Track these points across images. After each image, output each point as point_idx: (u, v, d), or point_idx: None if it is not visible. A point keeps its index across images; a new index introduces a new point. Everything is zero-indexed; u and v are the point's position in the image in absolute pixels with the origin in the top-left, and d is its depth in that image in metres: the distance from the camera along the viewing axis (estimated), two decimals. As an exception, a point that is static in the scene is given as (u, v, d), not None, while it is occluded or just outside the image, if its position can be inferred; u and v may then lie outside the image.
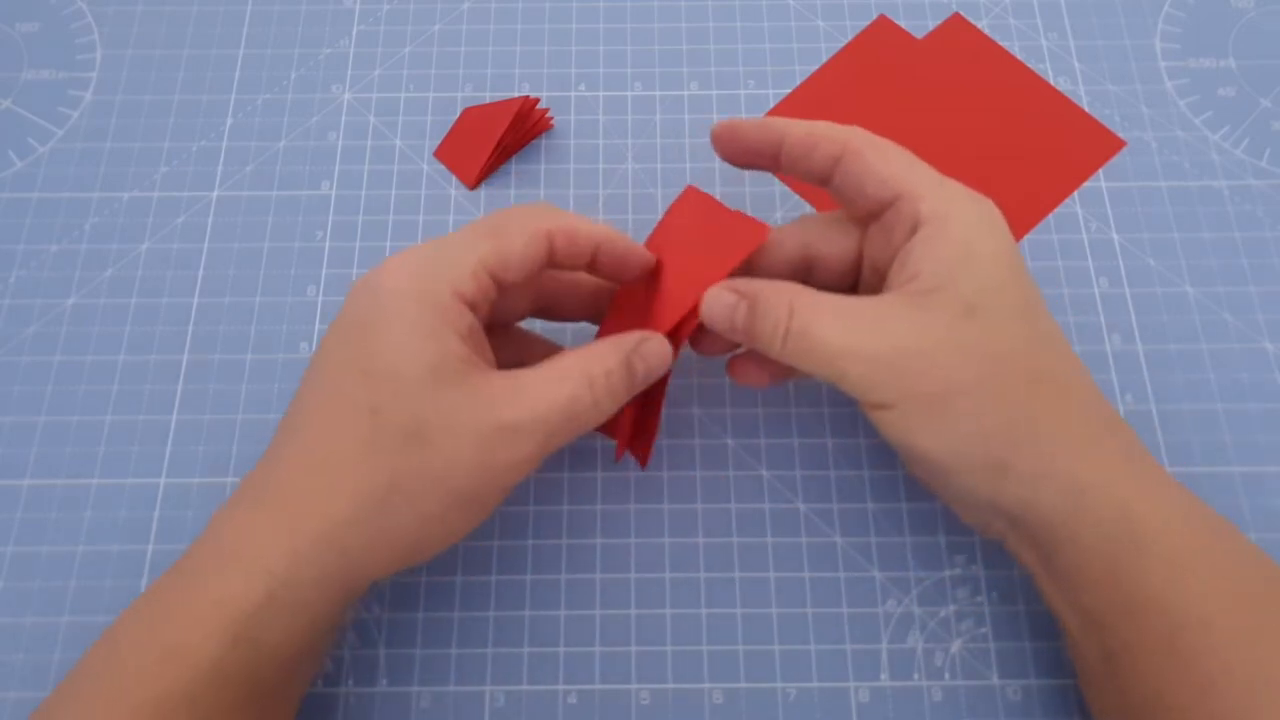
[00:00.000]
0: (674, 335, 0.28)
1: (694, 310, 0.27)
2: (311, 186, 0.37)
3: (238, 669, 0.23)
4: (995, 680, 0.30)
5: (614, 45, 0.40)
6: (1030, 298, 0.26)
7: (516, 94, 0.39)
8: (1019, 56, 0.39)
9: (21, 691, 0.30)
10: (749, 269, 0.28)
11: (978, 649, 0.30)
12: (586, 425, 0.25)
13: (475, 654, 0.30)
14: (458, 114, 0.38)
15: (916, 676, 0.30)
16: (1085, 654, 0.25)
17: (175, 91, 0.39)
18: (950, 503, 0.27)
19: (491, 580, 0.31)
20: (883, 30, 0.40)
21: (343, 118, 0.38)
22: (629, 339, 0.26)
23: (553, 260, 0.26)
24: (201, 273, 0.36)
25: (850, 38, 0.40)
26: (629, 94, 0.39)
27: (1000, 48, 0.39)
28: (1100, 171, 0.37)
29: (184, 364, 0.34)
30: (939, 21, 0.40)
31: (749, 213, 0.30)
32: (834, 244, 0.28)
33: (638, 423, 0.30)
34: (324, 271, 0.36)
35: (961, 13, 0.40)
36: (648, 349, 0.26)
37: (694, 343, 0.29)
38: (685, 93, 0.39)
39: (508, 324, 0.30)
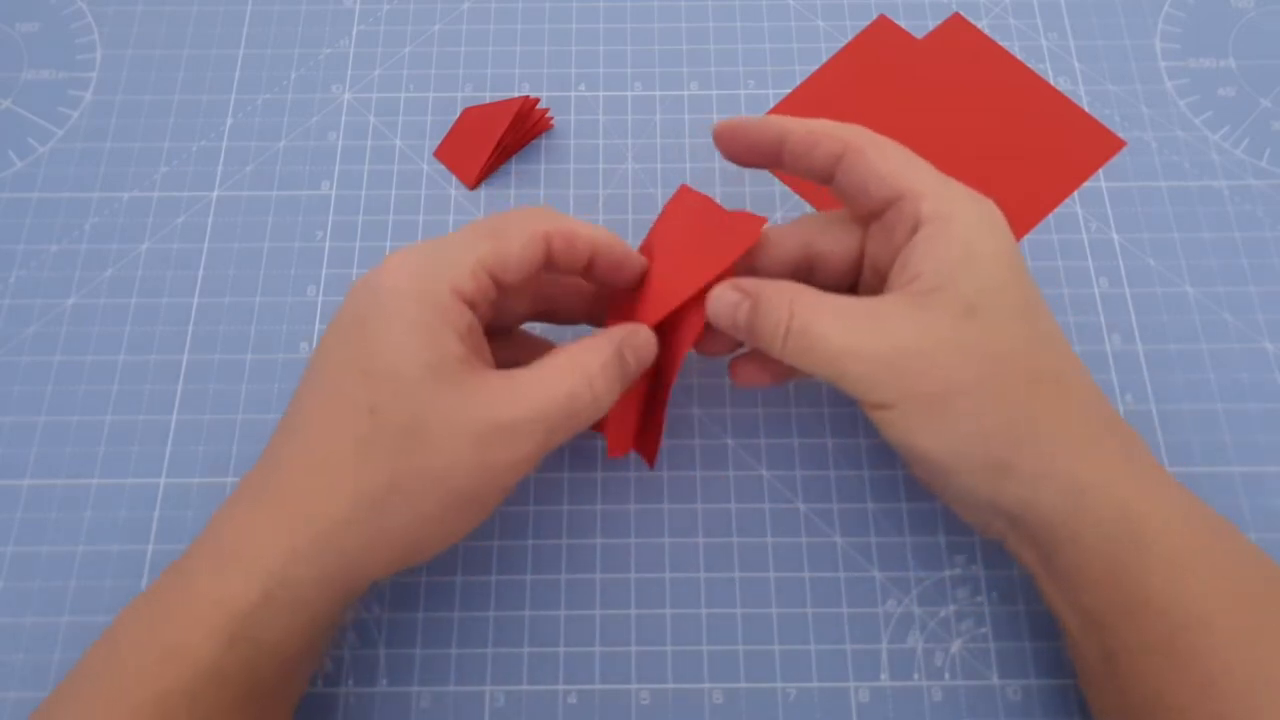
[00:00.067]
0: (682, 335, 0.28)
1: (701, 310, 0.27)
2: (311, 186, 0.37)
3: (237, 668, 0.23)
4: (995, 680, 0.30)
5: (614, 45, 0.40)
6: (1031, 298, 0.26)
7: (516, 94, 0.39)
8: (1019, 56, 0.39)
9: (21, 691, 0.30)
10: (750, 267, 0.28)
11: (978, 649, 0.30)
12: (586, 420, 0.25)
13: (475, 654, 0.30)
14: (458, 114, 0.38)
15: (916, 676, 0.30)
16: (1085, 654, 0.25)
17: (175, 91, 0.39)
18: (950, 503, 0.27)
19: (491, 580, 0.31)
20: (883, 30, 0.40)
21: (343, 118, 0.38)
22: (617, 332, 0.26)
23: (550, 263, 0.26)
24: (201, 273, 0.36)
25: (850, 38, 0.40)
26: (629, 94, 0.39)
27: (1000, 48, 0.39)
28: (1100, 171, 0.37)
29: (184, 364, 0.34)
30: (939, 21, 0.40)
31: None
32: (835, 243, 0.28)
33: (642, 423, 0.30)
34: (324, 271, 0.36)
35: (961, 13, 0.40)
36: (636, 340, 0.26)
37: (698, 343, 0.29)
38: (685, 93, 0.39)
39: (509, 327, 0.30)
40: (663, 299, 0.28)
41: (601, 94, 0.39)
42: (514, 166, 0.38)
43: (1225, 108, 0.38)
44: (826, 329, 0.25)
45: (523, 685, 0.30)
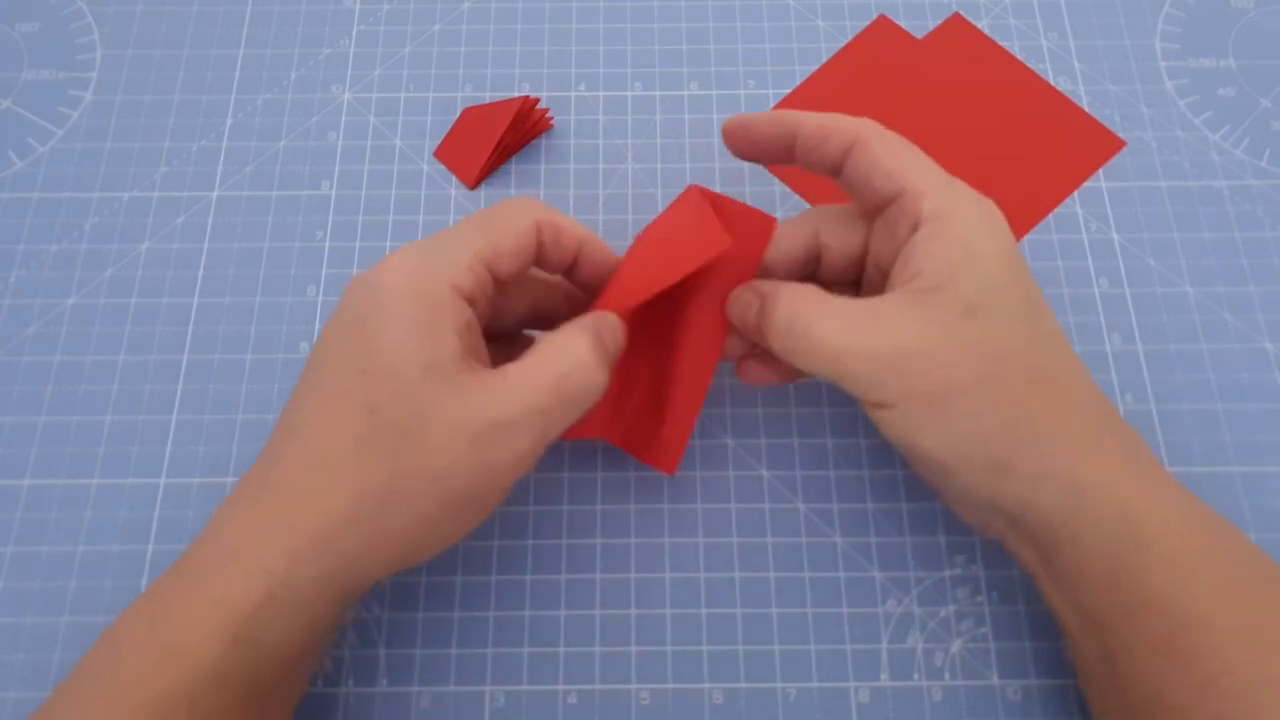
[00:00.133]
0: (710, 340, 0.28)
1: (724, 315, 0.28)
2: (311, 186, 0.37)
3: (238, 669, 0.23)
4: (995, 680, 0.30)
5: (614, 45, 0.40)
6: (1031, 298, 0.26)
7: (516, 94, 0.39)
8: (1019, 56, 0.39)
9: (21, 691, 0.30)
10: (760, 263, 0.29)
11: (978, 649, 0.30)
12: (581, 402, 0.25)
13: (475, 654, 0.30)
14: (458, 114, 0.38)
15: (916, 676, 0.30)
16: (1085, 654, 0.25)
17: (175, 91, 0.39)
18: (951, 502, 0.27)
19: (491, 580, 0.31)
20: (883, 30, 0.40)
21: (343, 118, 0.38)
22: (588, 317, 0.26)
23: (540, 256, 0.27)
24: (201, 273, 0.36)
25: (850, 38, 0.40)
26: (629, 94, 0.39)
27: (1000, 48, 0.39)
28: (1100, 171, 0.37)
29: (184, 364, 0.34)
30: (939, 21, 0.40)
31: None
32: (840, 237, 0.28)
33: (672, 426, 0.30)
34: (324, 271, 0.36)
35: (961, 13, 0.40)
36: (607, 323, 0.26)
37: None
38: (685, 93, 0.39)
39: (508, 331, 0.30)
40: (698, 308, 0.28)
41: (601, 94, 0.39)
42: (514, 166, 0.38)
43: (1225, 108, 0.38)
44: (827, 329, 0.25)
45: (523, 685, 0.30)
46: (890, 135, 0.26)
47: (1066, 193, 0.37)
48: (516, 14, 0.41)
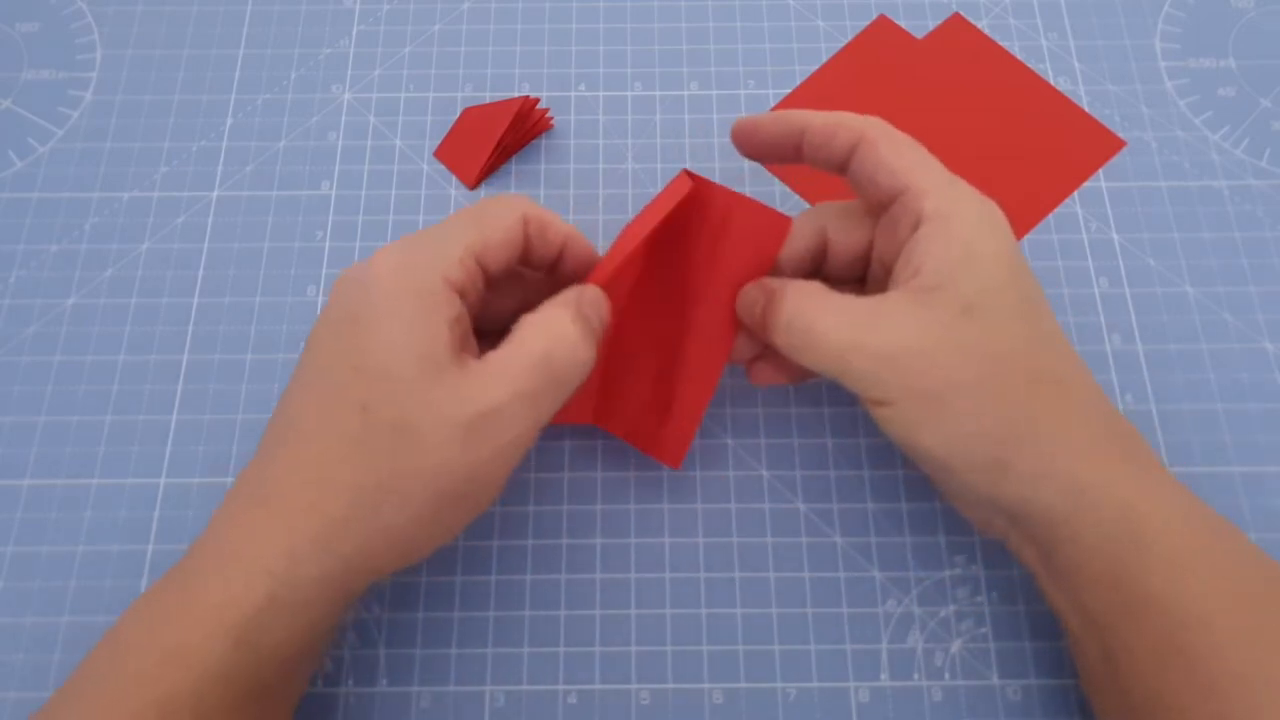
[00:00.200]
0: (721, 336, 0.29)
1: (734, 313, 0.28)
2: (311, 186, 0.37)
3: (240, 670, 0.23)
4: (995, 680, 0.30)
5: (614, 45, 0.40)
6: (1032, 298, 0.26)
7: (516, 94, 0.39)
8: (1019, 56, 0.39)
9: (21, 691, 0.30)
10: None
11: (978, 649, 0.30)
12: (570, 379, 0.25)
13: (475, 654, 0.30)
14: (458, 114, 0.38)
15: (916, 676, 0.30)
16: (1087, 654, 0.25)
17: (175, 91, 0.39)
18: (952, 500, 0.27)
19: (491, 580, 0.31)
20: (883, 30, 0.40)
21: (343, 118, 0.38)
22: (570, 291, 0.26)
23: (526, 251, 0.27)
24: (201, 273, 0.36)
25: (850, 38, 0.40)
26: (629, 94, 0.39)
27: (1000, 48, 0.39)
28: (1100, 171, 0.37)
29: (184, 364, 0.34)
30: (939, 21, 0.40)
31: None
32: (846, 233, 0.28)
33: (679, 421, 0.30)
34: (324, 271, 0.36)
35: (961, 13, 0.40)
36: (588, 296, 0.26)
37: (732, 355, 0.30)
38: (685, 93, 0.39)
39: (499, 327, 0.30)
40: (711, 305, 0.29)
41: (601, 94, 0.39)
42: (514, 166, 0.38)
43: (1225, 108, 0.38)
44: (829, 325, 0.25)
45: (523, 685, 0.30)
46: (896, 134, 0.27)
47: (1066, 193, 0.37)
48: (516, 14, 0.41)
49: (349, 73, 0.39)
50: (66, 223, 0.36)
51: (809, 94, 0.39)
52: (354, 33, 0.40)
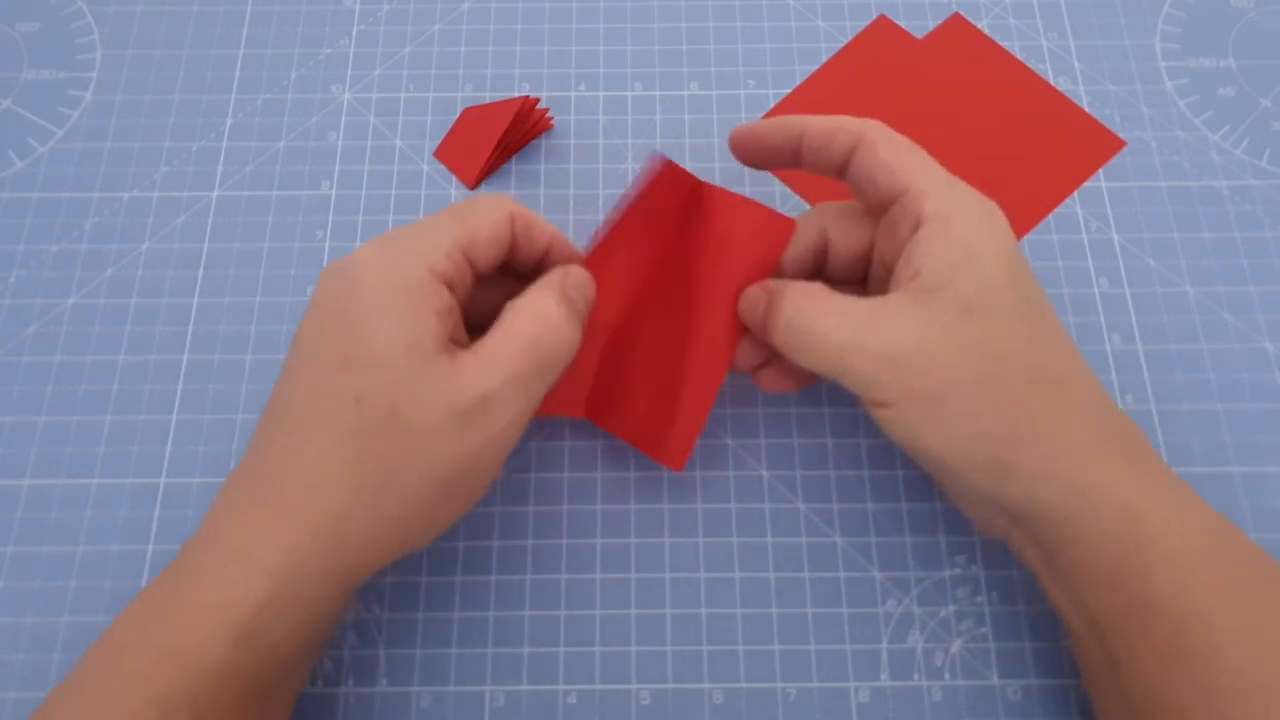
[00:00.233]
0: (725, 339, 0.29)
1: (737, 316, 0.29)
2: (311, 186, 0.37)
3: (239, 670, 0.23)
4: (995, 680, 0.30)
5: (614, 45, 0.40)
6: (1032, 299, 0.26)
7: (516, 94, 0.39)
8: (1019, 56, 0.39)
9: (21, 692, 0.30)
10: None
11: (978, 649, 0.30)
12: (558, 361, 0.25)
13: (475, 654, 0.30)
14: (458, 114, 0.38)
15: (916, 676, 0.30)
16: (1089, 655, 0.25)
17: (175, 91, 0.39)
18: (954, 500, 0.27)
19: (491, 580, 0.31)
20: (883, 30, 0.40)
21: (343, 118, 0.38)
22: (555, 274, 0.27)
23: (512, 249, 0.27)
24: (201, 273, 0.36)
25: (850, 38, 0.40)
26: (629, 94, 0.39)
27: (1000, 48, 0.39)
28: (1100, 171, 0.37)
29: (184, 364, 0.34)
30: (939, 21, 0.40)
31: None
32: (846, 234, 0.28)
33: (682, 424, 0.30)
34: (324, 271, 0.36)
35: (961, 13, 0.40)
36: (573, 278, 0.27)
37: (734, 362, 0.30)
38: (685, 93, 0.39)
39: (486, 322, 0.30)
40: (716, 310, 0.29)
41: (601, 94, 0.39)
42: (514, 166, 0.38)
43: (1225, 108, 0.38)
44: (829, 325, 0.25)
45: (523, 685, 0.30)
46: (895, 135, 0.27)
47: (1067, 193, 0.37)
48: (516, 14, 0.41)
49: (349, 73, 0.39)
50: (66, 223, 0.36)
51: (809, 94, 0.39)
52: (354, 33, 0.40)
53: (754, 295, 0.28)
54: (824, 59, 0.40)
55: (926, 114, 0.38)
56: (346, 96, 0.39)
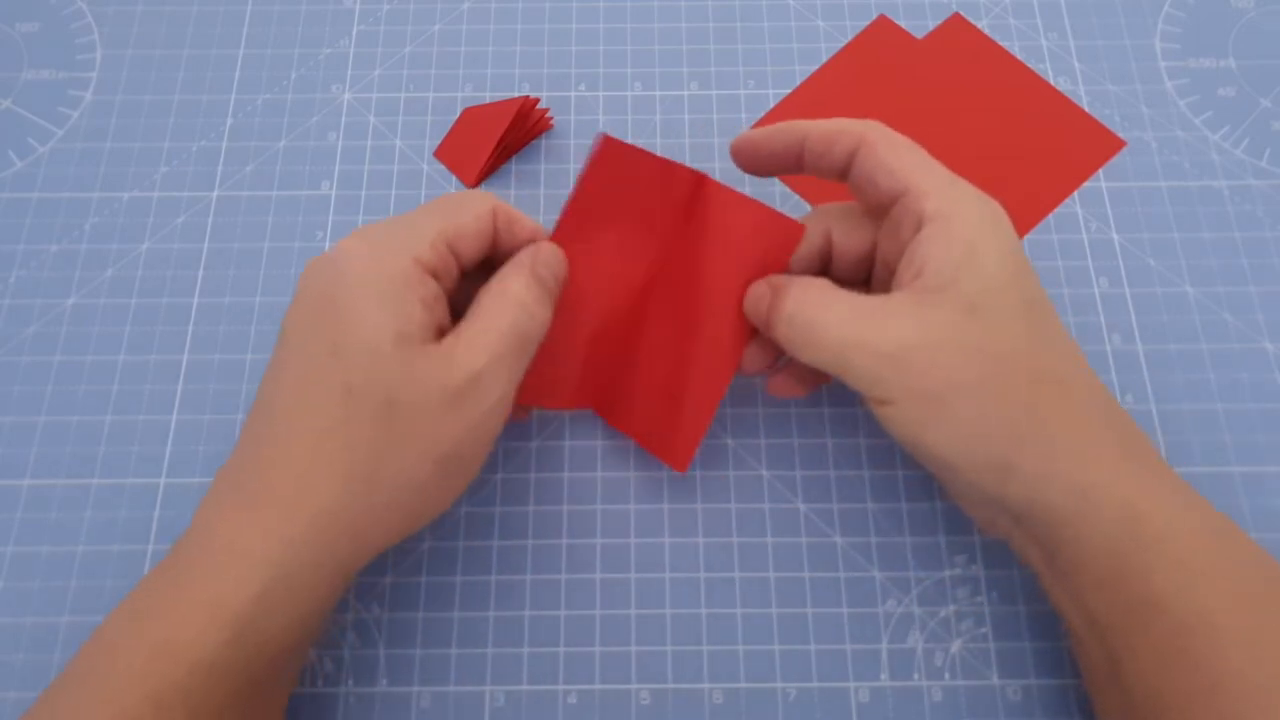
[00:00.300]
0: (733, 340, 0.29)
1: (743, 316, 0.29)
2: (311, 186, 0.37)
3: (234, 664, 0.23)
4: (995, 680, 0.30)
5: (614, 45, 0.40)
6: (1035, 299, 0.26)
7: (516, 94, 0.39)
8: (1019, 56, 0.39)
9: (21, 692, 0.30)
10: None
11: (978, 649, 0.30)
12: (535, 340, 0.26)
13: (475, 654, 0.30)
14: (458, 114, 0.38)
15: (916, 676, 0.30)
16: (1090, 655, 0.25)
17: (175, 91, 0.39)
18: (956, 499, 0.27)
19: (491, 580, 0.31)
20: (883, 30, 0.40)
21: (343, 118, 0.38)
22: (525, 255, 0.27)
23: (495, 244, 0.27)
24: (201, 273, 0.36)
25: (850, 38, 0.40)
26: (629, 94, 0.39)
27: (1000, 48, 0.39)
28: (1100, 171, 0.37)
29: (184, 364, 0.34)
30: (939, 21, 0.40)
31: None
32: (849, 235, 0.28)
33: (687, 425, 0.30)
34: (324, 271, 0.36)
35: (961, 13, 0.40)
36: (543, 256, 0.27)
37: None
38: (685, 93, 0.39)
39: None
40: (722, 313, 0.29)
41: (601, 94, 0.39)
42: (514, 166, 0.38)
43: (1225, 108, 0.38)
44: (831, 321, 0.25)
45: (523, 685, 0.30)
46: (896, 136, 0.27)
47: (1067, 193, 0.37)
48: (516, 14, 0.41)
49: (349, 73, 0.39)
50: (66, 223, 0.36)
51: (809, 94, 0.39)
52: (354, 33, 0.40)
53: (759, 290, 0.28)
54: (824, 59, 0.40)
55: (926, 114, 0.38)
56: (346, 96, 0.39)
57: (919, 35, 0.40)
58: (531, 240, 0.28)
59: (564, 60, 0.40)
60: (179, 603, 0.23)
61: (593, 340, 0.30)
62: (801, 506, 0.32)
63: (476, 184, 0.37)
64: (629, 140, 0.38)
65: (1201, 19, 0.40)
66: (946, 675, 0.30)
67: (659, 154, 0.28)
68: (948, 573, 0.31)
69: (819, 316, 0.26)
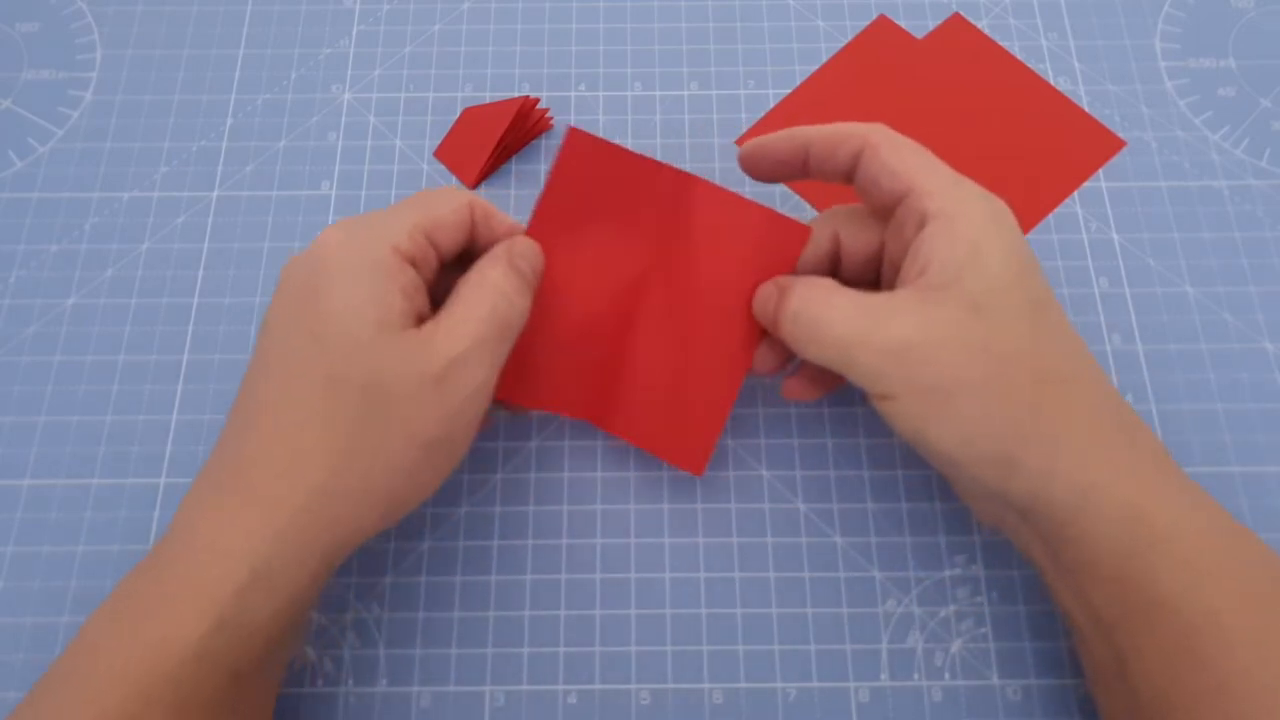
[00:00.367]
0: (742, 343, 0.29)
1: (753, 319, 0.29)
2: (311, 186, 0.37)
3: (221, 655, 0.23)
4: (995, 680, 0.30)
5: (614, 45, 0.40)
6: (1040, 297, 0.26)
7: (516, 94, 0.39)
8: (1019, 56, 0.39)
9: (21, 692, 0.30)
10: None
11: (978, 649, 0.30)
12: (515, 328, 0.26)
13: (475, 654, 0.30)
14: (458, 114, 0.38)
15: (916, 676, 0.30)
16: (1095, 653, 0.25)
17: (175, 91, 0.39)
18: (962, 495, 0.27)
19: (491, 580, 0.31)
20: (883, 30, 0.40)
21: (343, 118, 0.38)
22: (501, 247, 0.27)
23: (472, 238, 0.28)
24: (201, 273, 0.36)
25: (850, 38, 0.40)
26: (629, 94, 0.39)
27: (1000, 48, 0.39)
28: (1100, 171, 0.37)
29: (184, 364, 0.34)
30: (939, 21, 0.40)
31: None
32: (856, 236, 0.28)
33: (701, 428, 0.30)
34: (324, 271, 0.36)
35: (961, 13, 0.40)
36: (519, 249, 0.27)
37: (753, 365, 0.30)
38: (685, 93, 0.39)
39: None
40: (732, 317, 0.29)
41: (601, 94, 0.39)
42: (514, 166, 0.38)
43: (1225, 108, 0.38)
44: (834, 318, 0.26)
45: (523, 685, 0.30)
46: (899, 138, 0.27)
47: (1067, 193, 0.37)
48: (516, 14, 0.41)
49: (349, 73, 0.39)
50: (66, 223, 0.36)
51: (809, 94, 0.39)
52: (354, 33, 0.40)
53: (766, 291, 0.28)
54: (824, 59, 0.40)
55: (926, 114, 0.38)
56: (346, 96, 0.39)
57: (919, 35, 0.40)
58: (509, 235, 0.28)
59: (564, 60, 0.40)
60: (163, 598, 0.23)
61: (577, 340, 0.30)
62: (801, 506, 0.32)
63: (476, 184, 0.37)
64: (628, 139, 0.38)
65: (1201, 19, 0.40)
66: (946, 675, 0.30)
67: (658, 154, 0.29)
68: (948, 573, 0.31)
69: (823, 313, 0.26)
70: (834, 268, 0.29)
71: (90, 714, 0.22)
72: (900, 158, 0.26)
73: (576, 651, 0.30)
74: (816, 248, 0.29)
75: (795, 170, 0.29)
